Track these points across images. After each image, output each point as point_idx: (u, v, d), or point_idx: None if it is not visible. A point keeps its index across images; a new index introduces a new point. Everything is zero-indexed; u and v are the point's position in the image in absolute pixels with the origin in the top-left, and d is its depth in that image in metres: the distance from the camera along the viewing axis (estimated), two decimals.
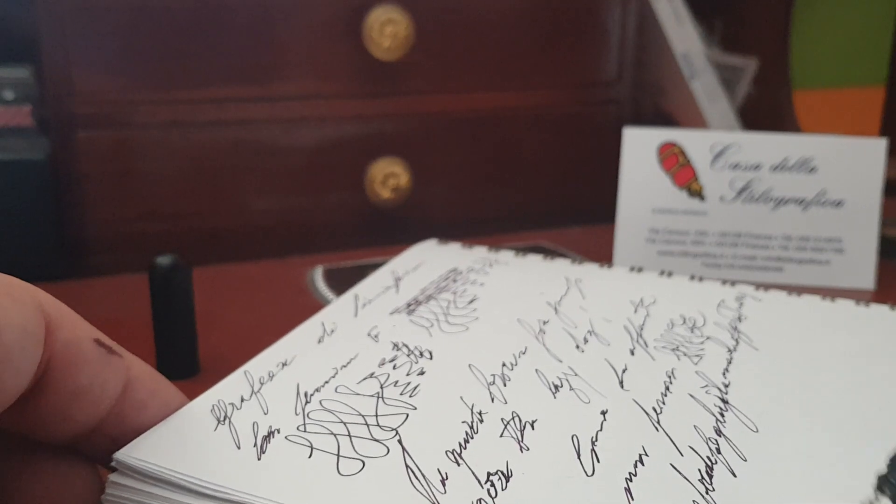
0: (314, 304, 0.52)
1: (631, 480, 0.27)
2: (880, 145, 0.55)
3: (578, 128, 0.82)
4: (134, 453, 0.26)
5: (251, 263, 0.61)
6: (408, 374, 0.33)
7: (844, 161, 0.55)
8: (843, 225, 0.55)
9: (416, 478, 0.26)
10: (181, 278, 0.41)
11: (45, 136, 0.67)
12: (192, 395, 0.30)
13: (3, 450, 0.26)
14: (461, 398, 0.31)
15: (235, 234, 0.73)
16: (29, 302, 0.23)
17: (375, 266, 0.51)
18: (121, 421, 0.26)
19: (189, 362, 0.42)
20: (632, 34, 0.81)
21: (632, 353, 0.36)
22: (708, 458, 0.28)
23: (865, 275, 0.55)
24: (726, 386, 0.34)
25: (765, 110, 0.84)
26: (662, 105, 0.83)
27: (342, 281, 0.56)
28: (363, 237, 0.76)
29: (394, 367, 0.34)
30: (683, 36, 0.79)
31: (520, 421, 0.30)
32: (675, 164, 0.57)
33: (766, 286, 0.46)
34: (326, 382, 0.32)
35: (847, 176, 0.55)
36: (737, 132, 0.70)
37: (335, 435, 0.28)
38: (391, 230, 0.77)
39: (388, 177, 0.76)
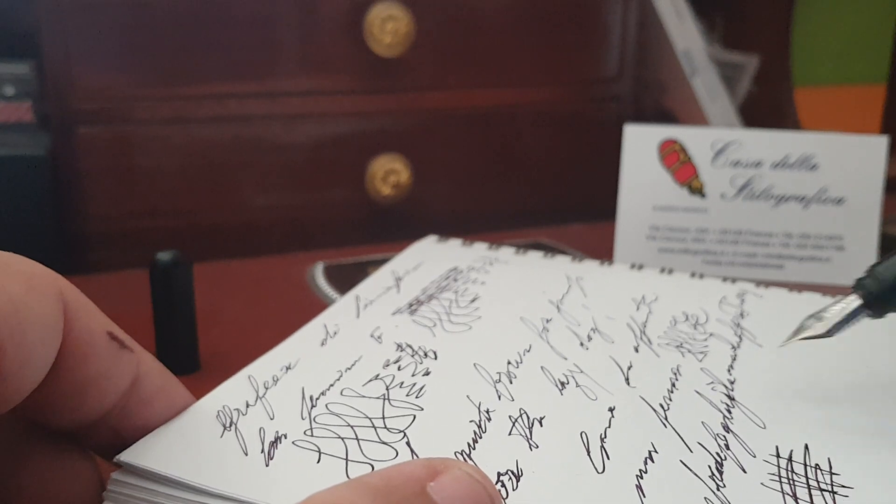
0: (315, 301, 0.52)
1: (642, 477, 0.27)
2: (881, 143, 0.55)
3: (579, 125, 0.82)
4: (140, 458, 0.26)
5: (251, 260, 0.61)
6: (413, 375, 0.33)
7: (845, 158, 0.55)
8: (843, 222, 0.55)
9: None
10: (182, 274, 0.40)
11: (45, 132, 0.67)
12: (193, 391, 0.30)
13: (4, 445, 0.25)
14: (468, 397, 0.31)
15: (236, 231, 0.73)
16: (51, 293, 0.23)
17: (376, 262, 0.51)
18: (126, 415, 0.26)
19: (189, 358, 0.42)
20: (633, 31, 0.81)
21: (636, 350, 0.36)
22: (717, 454, 0.28)
23: None
24: (732, 382, 0.34)
25: (766, 107, 0.84)
26: (663, 102, 0.83)
27: (342, 277, 0.55)
28: (363, 234, 0.76)
29: (398, 368, 0.33)
30: (684, 33, 0.79)
31: (528, 418, 0.30)
32: (676, 161, 0.57)
33: (767, 283, 0.46)
34: (331, 385, 0.32)
35: (848, 173, 0.55)
36: (738, 129, 0.70)
37: (343, 439, 0.28)
38: (391, 227, 0.77)
39: (389, 173, 0.76)
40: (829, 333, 0.31)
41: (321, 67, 0.73)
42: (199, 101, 0.70)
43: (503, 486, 0.26)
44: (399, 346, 0.36)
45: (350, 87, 0.74)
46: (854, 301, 0.31)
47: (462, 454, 0.27)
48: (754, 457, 0.29)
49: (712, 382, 0.34)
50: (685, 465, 0.28)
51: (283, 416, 0.29)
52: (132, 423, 0.27)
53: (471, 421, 0.30)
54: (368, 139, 0.76)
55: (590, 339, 0.37)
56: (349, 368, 0.33)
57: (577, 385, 0.33)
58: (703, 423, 0.31)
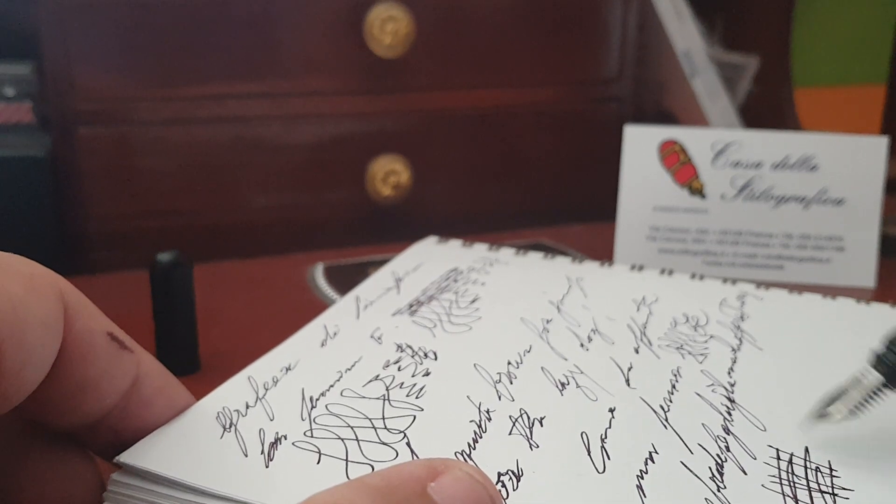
0: (315, 301, 0.52)
1: (642, 478, 0.27)
2: (881, 143, 0.55)
3: (579, 125, 0.82)
4: (141, 460, 0.26)
5: (252, 260, 0.61)
6: (413, 376, 0.33)
7: (845, 159, 0.55)
8: (843, 223, 0.55)
9: None
10: (182, 275, 0.40)
11: (45, 132, 0.67)
12: (193, 392, 0.30)
13: (4, 445, 0.25)
14: (468, 397, 0.31)
15: (236, 231, 0.73)
16: (51, 294, 0.23)
17: (376, 263, 0.51)
18: (126, 415, 0.26)
19: (189, 359, 0.42)
20: (633, 32, 0.81)
21: (636, 351, 0.36)
22: (718, 455, 0.28)
23: (866, 273, 0.55)
24: (732, 385, 0.34)
25: (766, 108, 0.84)
26: (663, 103, 0.83)
27: (343, 278, 0.55)
28: (364, 234, 0.76)
29: (398, 369, 0.33)
30: (685, 33, 0.79)
31: (528, 418, 0.30)
32: (676, 161, 0.57)
33: (767, 284, 0.46)
34: (331, 386, 0.32)
35: (848, 174, 0.55)
36: (738, 130, 0.70)
37: (343, 440, 0.28)
38: (392, 227, 0.77)
39: (389, 174, 0.76)
40: (852, 416, 0.30)
41: (321, 68, 0.73)
42: (200, 101, 0.70)
43: (504, 486, 0.26)
44: (399, 347, 0.36)
45: (350, 88, 0.74)
46: (874, 378, 0.30)
47: (462, 454, 0.27)
48: (755, 459, 0.29)
49: (712, 385, 0.34)
50: (686, 466, 0.28)
51: (282, 417, 0.29)
52: (132, 423, 0.27)
53: (471, 421, 0.30)
54: (368, 140, 0.76)
55: (590, 339, 0.37)
56: (349, 369, 0.33)
57: (578, 386, 0.33)
58: (703, 424, 0.31)
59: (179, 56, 0.69)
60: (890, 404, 0.33)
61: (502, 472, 0.26)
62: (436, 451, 0.27)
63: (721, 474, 0.27)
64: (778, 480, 0.27)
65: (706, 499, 0.26)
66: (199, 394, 0.30)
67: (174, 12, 0.68)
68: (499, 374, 0.33)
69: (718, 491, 0.26)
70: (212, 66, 0.70)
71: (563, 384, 0.33)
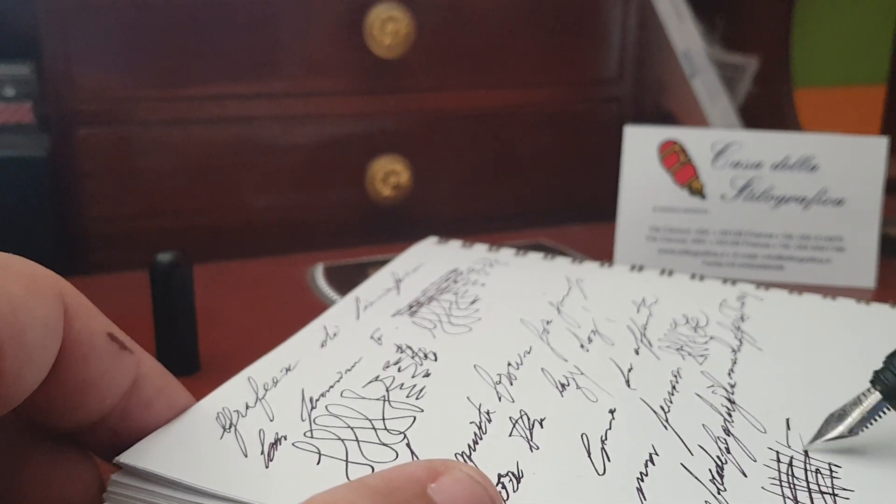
0: (315, 302, 0.52)
1: (643, 480, 0.27)
2: (881, 144, 0.55)
3: (579, 125, 0.82)
4: (140, 460, 0.26)
5: (252, 261, 0.61)
6: (413, 377, 0.33)
7: (845, 159, 0.55)
8: (843, 223, 0.55)
9: None
10: (182, 275, 0.40)
11: (45, 132, 0.67)
12: (192, 392, 0.30)
13: (4, 446, 0.25)
14: (468, 398, 0.31)
15: (236, 232, 0.73)
16: (51, 294, 0.23)
17: (376, 264, 0.51)
18: (126, 416, 0.26)
19: (189, 360, 0.42)
20: (633, 32, 0.81)
21: (636, 352, 0.36)
22: (718, 457, 0.28)
23: (866, 273, 0.55)
24: (732, 386, 0.34)
25: (766, 108, 0.84)
26: (663, 103, 0.83)
27: (343, 278, 0.55)
28: (364, 235, 0.76)
29: (399, 370, 0.33)
30: (685, 34, 0.79)
31: (528, 419, 0.30)
32: (676, 162, 0.57)
33: (767, 285, 0.46)
34: (331, 387, 0.32)
35: (848, 174, 0.55)
36: (738, 130, 0.70)
37: (343, 440, 0.28)
38: (392, 228, 0.77)
39: (389, 174, 0.76)
40: (852, 433, 0.30)
41: (321, 69, 0.73)
42: (200, 102, 0.70)
43: (504, 487, 0.26)
44: (399, 348, 0.36)
45: (350, 89, 0.74)
46: (874, 397, 0.30)
47: (462, 455, 0.27)
48: (755, 461, 0.29)
49: (713, 386, 0.34)
50: (686, 469, 0.28)
51: (282, 418, 0.29)
52: (132, 424, 0.27)
53: (471, 422, 0.30)
54: (368, 140, 0.76)
55: (590, 340, 0.38)
56: (349, 370, 0.33)
57: (578, 387, 0.33)
58: (703, 426, 0.31)
59: (179, 56, 0.69)
60: None
61: (502, 473, 0.26)
62: (436, 452, 0.27)
63: (721, 476, 0.27)
64: (778, 482, 0.27)
65: (706, 501, 0.26)
66: (199, 394, 0.30)
67: (174, 12, 0.68)
68: (499, 375, 0.33)
69: (719, 493, 0.26)
70: (212, 66, 0.70)
71: (563, 385, 0.33)
